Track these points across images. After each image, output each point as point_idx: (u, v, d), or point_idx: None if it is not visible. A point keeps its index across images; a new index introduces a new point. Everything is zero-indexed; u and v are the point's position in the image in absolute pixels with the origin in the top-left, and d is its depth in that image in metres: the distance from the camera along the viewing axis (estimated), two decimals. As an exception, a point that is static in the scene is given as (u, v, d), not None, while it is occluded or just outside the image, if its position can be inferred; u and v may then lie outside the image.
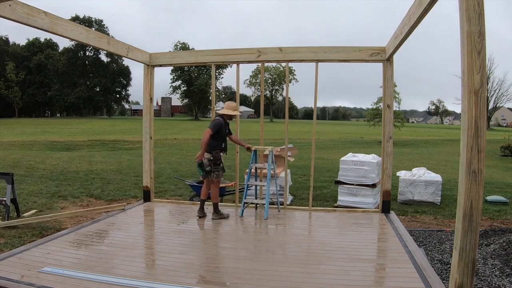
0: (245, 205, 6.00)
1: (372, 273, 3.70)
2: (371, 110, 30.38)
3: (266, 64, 6.85)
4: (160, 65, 6.73)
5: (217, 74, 66.97)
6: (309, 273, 3.59)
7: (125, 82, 79.10)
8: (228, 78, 77.02)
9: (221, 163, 5.61)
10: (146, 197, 6.78)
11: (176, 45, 72.17)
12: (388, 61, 5.78)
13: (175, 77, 74.39)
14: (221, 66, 65.02)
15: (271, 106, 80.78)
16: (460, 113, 2.77)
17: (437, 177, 8.34)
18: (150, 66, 6.65)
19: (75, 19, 64.62)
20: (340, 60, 6.00)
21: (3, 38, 70.77)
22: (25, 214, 6.76)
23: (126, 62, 74.65)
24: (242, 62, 6.38)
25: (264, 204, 5.91)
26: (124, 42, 5.88)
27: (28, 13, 3.91)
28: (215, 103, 7.15)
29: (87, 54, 74.30)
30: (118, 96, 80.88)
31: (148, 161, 6.78)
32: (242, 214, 5.90)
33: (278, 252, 4.24)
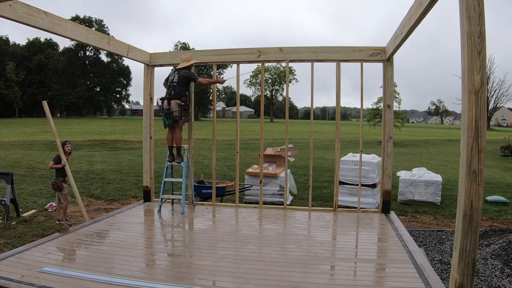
0: None
1: (372, 273, 3.69)
2: (371, 110, 30.33)
3: (266, 64, 6.86)
4: (161, 65, 6.74)
5: (217, 74, 66.87)
6: (309, 273, 3.59)
7: (125, 82, 79.11)
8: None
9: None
10: (146, 197, 6.78)
11: (176, 45, 72.19)
12: (388, 61, 5.78)
13: (175, 77, 74.29)
14: (221, 66, 64.99)
15: (271, 106, 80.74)
16: (460, 113, 2.77)
17: (437, 177, 8.34)
18: (150, 66, 6.65)
19: (75, 19, 64.62)
20: (340, 60, 6.00)
21: (3, 38, 70.74)
22: (25, 214, 6.76)
23: (126, 62, 74.67)
24: (242, 62, 6.38)
25: None
26: (124, 42, 5.88)
27: (28, 13, 3.91)
28: (216, 103, 7.16)
29: (87, 54, 74.31)
30: (118, 96, 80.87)
31: (148, 161, 6.79)
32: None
33: (278, 252, 4.24)
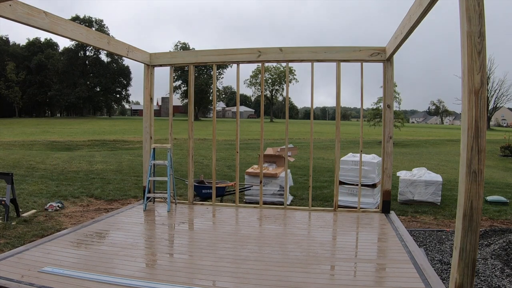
0: None
1: (372, 273, 3.69)
2: (371, 110, 30.35)
3: (266, 64, 6.85)
4: (161, 65, 6.73)
5: (217, 74, 66.92)
6: (309, 273, 3.59)
7: (125, 82, 79.12)
8: (228, 78, 76.95)
9: None
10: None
11: (176, 45, 72.16)
12: (388, 61, 5.78)
13: (175, 77, 74.44)
14: (221, 66, 65.01)
15: (271, 106, 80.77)
16: (460, 113, 2.77)
17: (437, 177, 8.33)
18: (150, 66, 6.65)
19: (75, 19, 64.67)
20: (340, 60, 5.99)
21: (3, 38, 70.73)
22: (25, 214, 6.76)
23: (126, 62, 74.68)
24: (242, 62, 6.37)
25: None
26: (124, 42, 5.87)
27: (28, 13, 3.91)
28: (216, 103, 7.16)
29: (87, 54, 74.34)
30: (118, 96, 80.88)
31: (148, 161, 6.78)
32: None
33: (278, 252, 4.24)
